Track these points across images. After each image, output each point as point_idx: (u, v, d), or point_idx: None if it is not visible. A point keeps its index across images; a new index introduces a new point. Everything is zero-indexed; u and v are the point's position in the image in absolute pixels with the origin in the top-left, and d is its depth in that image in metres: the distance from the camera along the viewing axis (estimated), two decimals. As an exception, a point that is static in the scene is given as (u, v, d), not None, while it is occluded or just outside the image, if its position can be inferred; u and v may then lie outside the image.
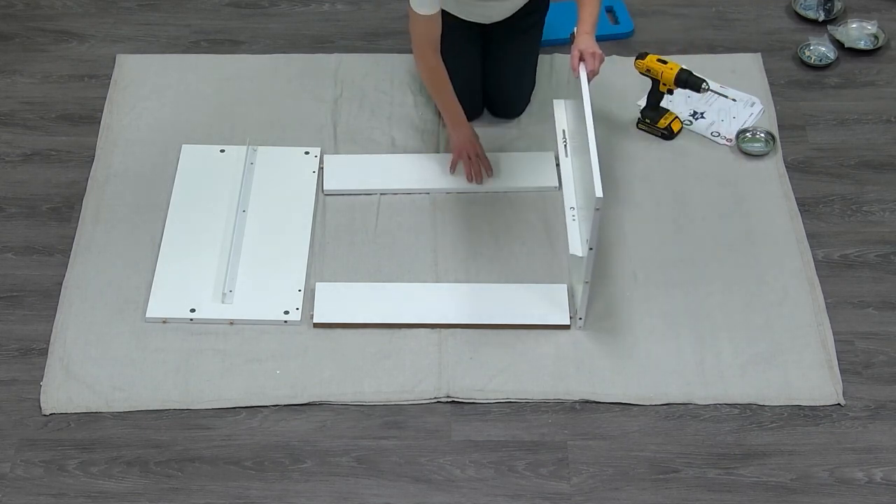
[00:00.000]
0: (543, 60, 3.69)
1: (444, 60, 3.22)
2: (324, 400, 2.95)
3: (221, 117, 3.60)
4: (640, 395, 2.96)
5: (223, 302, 3.11)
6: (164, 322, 3.08)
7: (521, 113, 3.57)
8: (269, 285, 3.15)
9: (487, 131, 3.54)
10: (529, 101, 3.58)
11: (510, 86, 3.51)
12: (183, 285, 3.14)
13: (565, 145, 3.23)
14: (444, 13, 3.19)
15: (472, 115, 3.50)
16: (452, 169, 3.40)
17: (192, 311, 3.09)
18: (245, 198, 3.35)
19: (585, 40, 3.10)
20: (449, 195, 3.39)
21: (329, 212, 3.34)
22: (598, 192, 2.74)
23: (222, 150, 3.49)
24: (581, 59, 3.07)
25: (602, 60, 3.10)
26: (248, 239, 3.26)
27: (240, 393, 2.95)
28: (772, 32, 3.91)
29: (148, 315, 3.08)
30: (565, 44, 3.65)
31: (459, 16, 3.36)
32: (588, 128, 2.88)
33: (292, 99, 3.66)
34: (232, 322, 3.09)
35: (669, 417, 2.92)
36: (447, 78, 3.26)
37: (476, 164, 3.37)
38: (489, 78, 3.49)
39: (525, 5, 3.38)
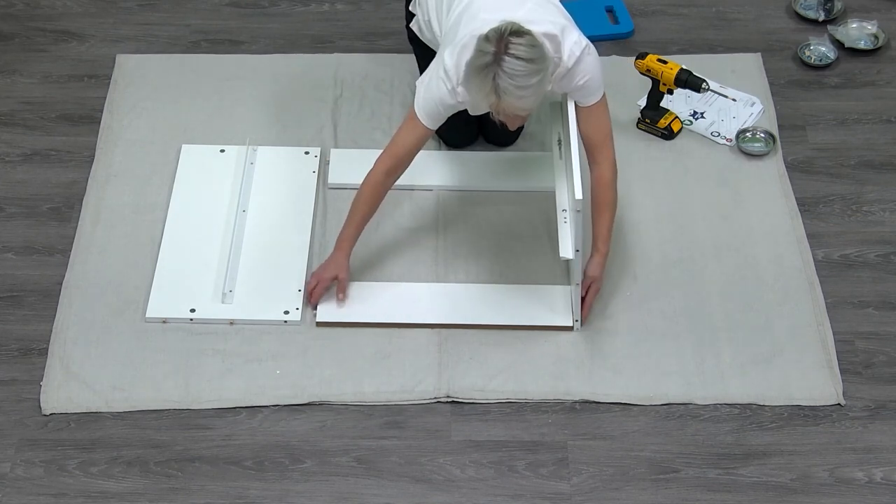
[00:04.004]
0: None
1: None
2: (324, 400, 2.94)
3: (221, 117, 3.60)
4: (640, 395, 2.96)
5: (223, 302, 3.11)
6: (164, 322, 3.08)
7: (513, 142, 3.51)
8: (269, 285, 3.15)
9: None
10: (521, 133, 3.51)
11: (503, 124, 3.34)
12: (183, 285, 3.14)
13: (559, 147, 3.23)
14: None
15: (466, 143, 3.48)
16: (310, 298, 3.08)
17: (192, 311, 3.09)
18: (245, 198, 3.35)
19: (595, 264, 3.04)
20: (452, 192, 3.39)
21: (329, 211, 3.34)
22: (578, 194, 2.75)
23: (222, 150, 3.48)
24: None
25: (596, 292, 3.06)
26: (248, 239, 3.26)
27: (240, 393, 2.95)
28: (772, 32, 3.91)
29: (148, 315, 3.08)
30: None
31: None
32: (570, 128, 2.89)
33: (292, 99, 3.66)
34: (232, 322, 3.08)
35: (669, 417, 2.92)
36: (373, 208, 3.04)
37: (321, 291, 3.08)
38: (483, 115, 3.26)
39: None
